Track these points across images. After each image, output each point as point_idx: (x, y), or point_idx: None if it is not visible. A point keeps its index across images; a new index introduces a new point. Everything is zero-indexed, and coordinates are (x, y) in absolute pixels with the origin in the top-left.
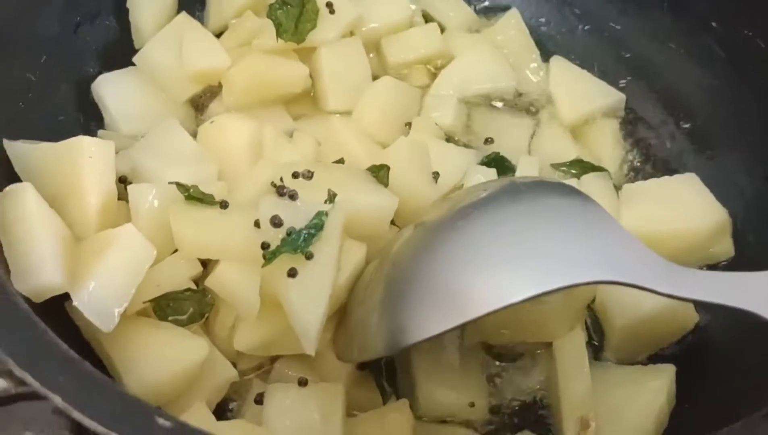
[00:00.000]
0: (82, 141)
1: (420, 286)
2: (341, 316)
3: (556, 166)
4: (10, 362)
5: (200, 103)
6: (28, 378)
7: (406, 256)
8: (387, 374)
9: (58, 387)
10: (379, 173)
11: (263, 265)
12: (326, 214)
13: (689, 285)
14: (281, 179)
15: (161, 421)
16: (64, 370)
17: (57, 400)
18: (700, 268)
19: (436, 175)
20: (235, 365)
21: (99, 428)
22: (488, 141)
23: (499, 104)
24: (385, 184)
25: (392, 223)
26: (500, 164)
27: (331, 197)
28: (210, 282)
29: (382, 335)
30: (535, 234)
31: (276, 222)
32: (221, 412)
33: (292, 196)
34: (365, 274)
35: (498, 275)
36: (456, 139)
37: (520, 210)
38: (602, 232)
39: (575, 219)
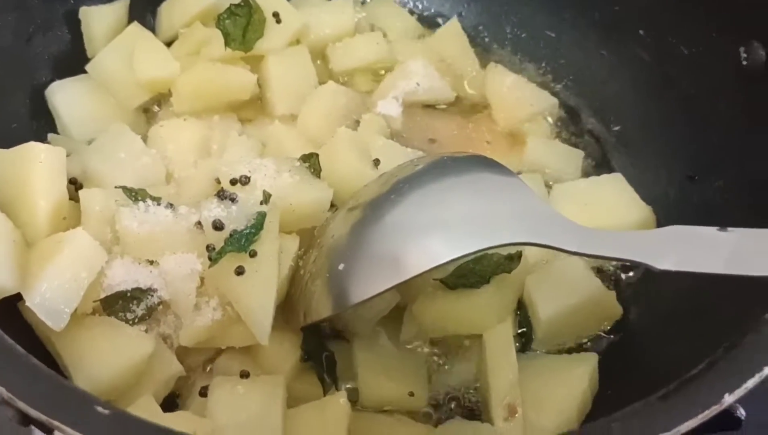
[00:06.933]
0: (33, 147)
1: (359, 253)
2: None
3: None
4: None
5: (150, 110)
6: None
7: (346, 227)
8: (328, 367)
9: (4, 379)
10: (311, 161)
11: (210, 266)
12: (264, 214)
13: (594, 244)
14: (218, 181)
15: (100, 409)
16: (9, 364)
17: (2, 391)
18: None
19: (376, 162)
20: (181, 360)
21: (42, 416)
22: (432, 141)
23: (442, 107)
24: (318, 172)
25: (332, 205)
26: None
27: (266, 198)
28: (154, 280)
29: (327, 299)
30: (461, 203)
31: (217, 225)
32: (170, 405)
33: (233, 199)
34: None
35: (426, 241)
36: (403, 137)
37: (448, 182)
38: (519, 200)
39: (496, 189)
